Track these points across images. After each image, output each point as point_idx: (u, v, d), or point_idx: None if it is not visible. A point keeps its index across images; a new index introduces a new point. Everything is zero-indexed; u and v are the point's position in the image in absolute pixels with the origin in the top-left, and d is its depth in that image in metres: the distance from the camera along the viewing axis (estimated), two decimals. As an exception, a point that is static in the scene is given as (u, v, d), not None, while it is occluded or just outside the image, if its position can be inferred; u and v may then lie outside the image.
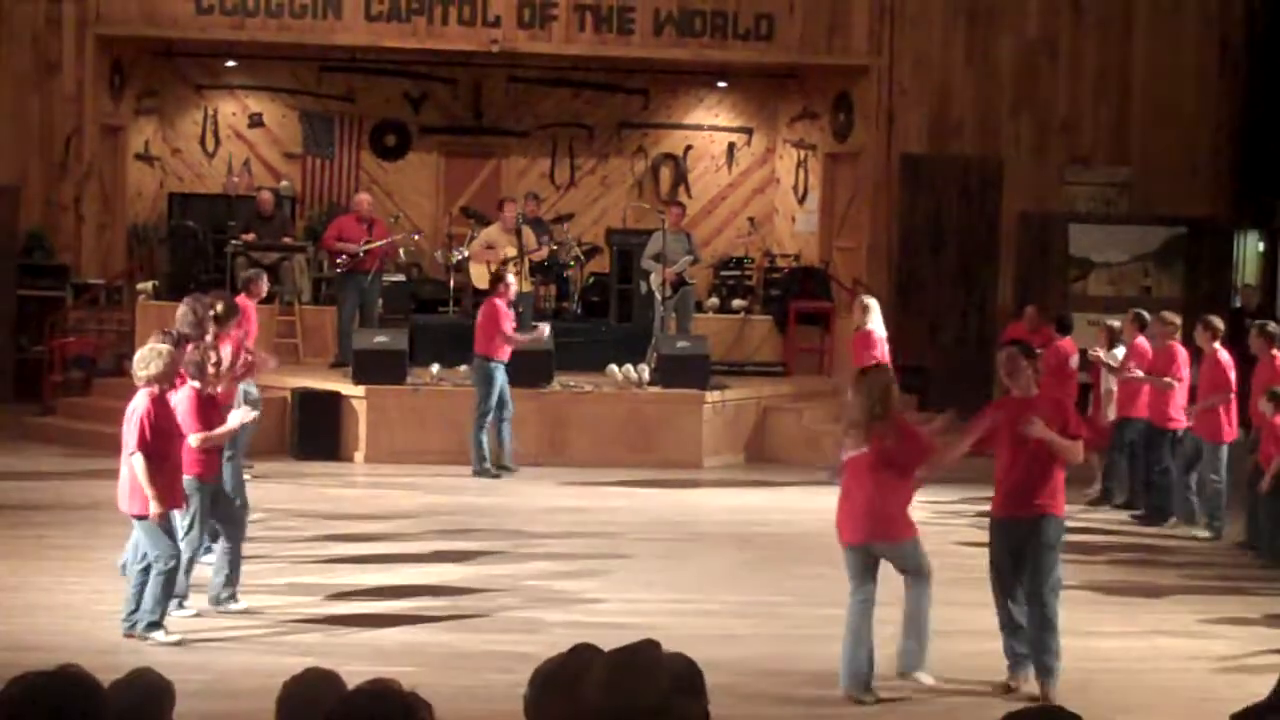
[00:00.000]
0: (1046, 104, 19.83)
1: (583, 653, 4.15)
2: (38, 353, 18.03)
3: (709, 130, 21.46)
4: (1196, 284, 19.19)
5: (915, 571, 8.70)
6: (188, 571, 9.66)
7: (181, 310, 11.07)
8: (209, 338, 10.66)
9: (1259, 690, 8.89)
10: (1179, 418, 13.82)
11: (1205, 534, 13.38)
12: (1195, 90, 20.06)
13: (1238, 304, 19.51)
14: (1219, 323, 13.56)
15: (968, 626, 10.19)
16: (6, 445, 15.79)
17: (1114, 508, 14.39)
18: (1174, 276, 19.23)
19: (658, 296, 17.20)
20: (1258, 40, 20.15)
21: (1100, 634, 10.09)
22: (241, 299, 14.18)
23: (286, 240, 18.41)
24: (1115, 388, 14.55)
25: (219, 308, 11.19)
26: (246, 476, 14.07)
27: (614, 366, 16.66)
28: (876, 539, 8.62)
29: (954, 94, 19.73)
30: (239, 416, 9.86)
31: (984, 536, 13.45)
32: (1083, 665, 9.29)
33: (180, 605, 9.65)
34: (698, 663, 3.72)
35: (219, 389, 9.95)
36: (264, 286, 14.46)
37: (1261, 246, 20.90)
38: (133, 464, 8.89)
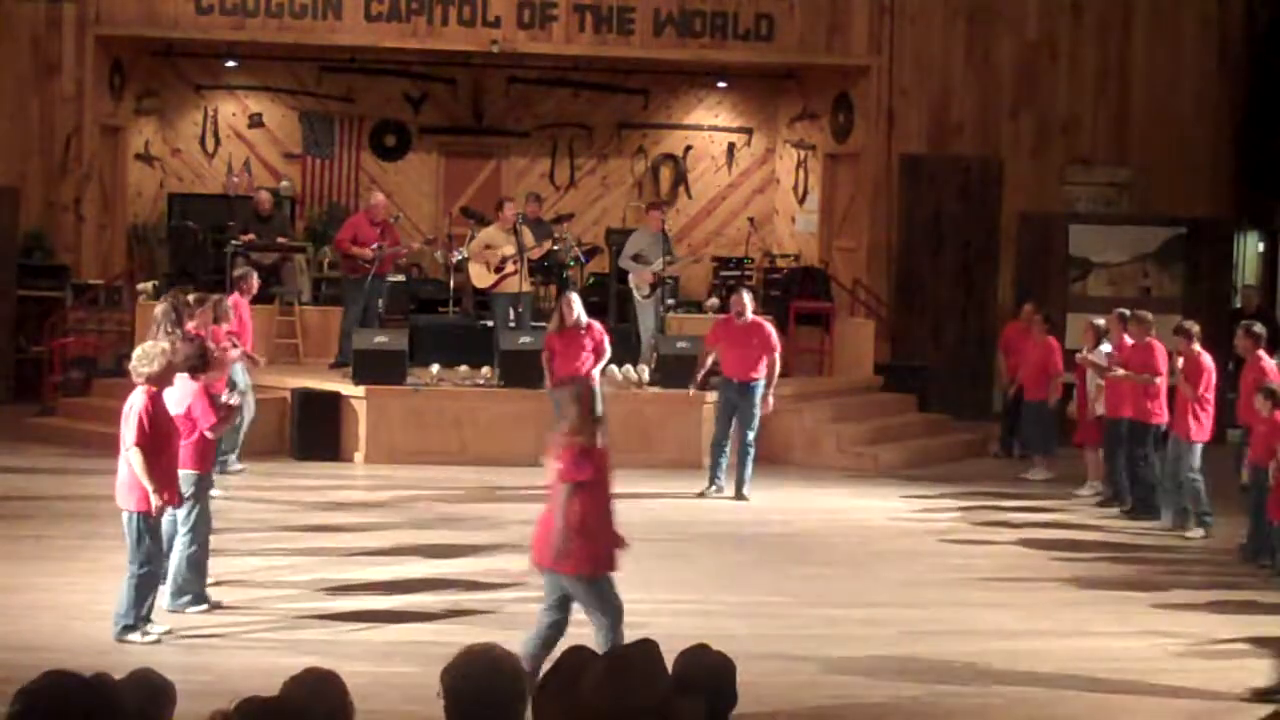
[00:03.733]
0: (1046, 104, 19.84)
1: (575, 655, 4.15)
2: (38, 353, 18.03)
3: (709, 130, 21.47)
4: (1196, 284, 19.18)
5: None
6: (198, 567, 9.77)
7: (162, 308, 11.13)
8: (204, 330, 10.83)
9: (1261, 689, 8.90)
10: (1161, 413, 13.91)
11: (1199, 533, 13.39)
12: (1195, 90, 20.07)
13: (1238, 304, 19.50)
14: (1194, 326, 13.65)
15: (967, 627, 10.22)
16: (6, 445, 15.78)
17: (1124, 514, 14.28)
18: (1174, 277, 19.22)
19: (636, 296, 17.22)
20: (1258, 40, 20.15)
21: (1100, 634, 10.10)
22: (234, 297, 14.28)
23: (285, 240, 18.41)
24: (1104, 384, 14.58)
25: (189, 300, 11.38)
26: (239, 469, 14.27)
27: (614, 366, 16.66)
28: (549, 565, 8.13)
29: (954, 94, 19.73)
30: (234, 398, 10.20)
31: (980, 535, 13.48)
32: (1083, 665, 9.30)
33: (195, 602, 9.76)
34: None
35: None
36: (254, 284, 14.51)
37: (1261, 246, 20.90)
38: (130, 459, 8.93)
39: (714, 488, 14.42)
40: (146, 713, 4.34)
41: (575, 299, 14.50)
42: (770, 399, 14.28)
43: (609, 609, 8.06)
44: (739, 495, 14.33)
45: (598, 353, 14.44)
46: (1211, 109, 20.09)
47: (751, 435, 14.31)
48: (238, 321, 13.99)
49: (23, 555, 11.31)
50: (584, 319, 14.41)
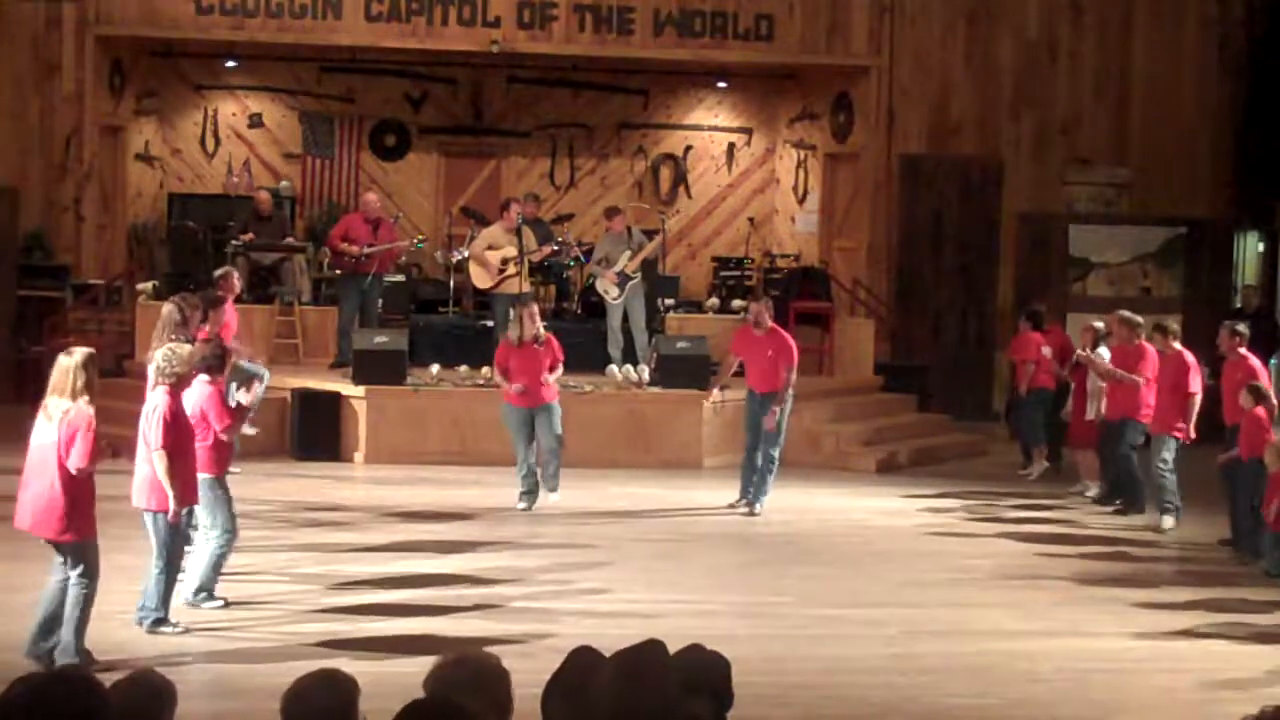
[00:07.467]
0: (1046, 104, 19.85)
1: (583, 655, 4.16)
2: (38, 353, 18.01)
3: (709, 130, 21.48)
4: (1196, 284, 19.20)
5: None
6: (219, 567, 9.91)
7: (167, 309, 11.15)
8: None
9: (1259, 689, 8.91)
10: (1149, 413, 13.99)
11: (1169, 521, 13.53)
12: (1195, 90, 20.08)
13: (1238, 304, 19.51)
14: (1175, 326, 13.81)
15: (967, 627, 10.22)
16: (6, 445, 15.73)
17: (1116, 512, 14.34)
18: (1174, 277, 19.23)
19: (607, 300, 17.20)
20: (1258, 40, 20.16)
21: (1099, 634, 10.10)
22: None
23: (285, 241, 18.40)
24: (1105, 385, 14.60)
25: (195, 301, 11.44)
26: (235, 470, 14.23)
27: (614, 366, 16.69)
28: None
29: (954, 94, 19.74)
30: (250, 396, 10.27)
31: (980, 535, 13.50)
32: (1082, 665, 9.31)
33: (211, 598, 9.91)
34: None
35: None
36: (235, 283, 14.43)
37: (1261, 246, 20.90)
38: (155, 461, 9.01)
39: (744, 502, 13.88)
40: (147, 713, 4.34)
41: (535, 310, 13.76)
42: (776, 412, 13.60)
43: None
44: (748, 506, 13.82)
45: (553, 369, 13.51)
46: (1211, 109, 20.10)
47: (775, 450, 13.79)
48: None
49: (23, 555, 11.27)
50: (543, 332, 13.59)
